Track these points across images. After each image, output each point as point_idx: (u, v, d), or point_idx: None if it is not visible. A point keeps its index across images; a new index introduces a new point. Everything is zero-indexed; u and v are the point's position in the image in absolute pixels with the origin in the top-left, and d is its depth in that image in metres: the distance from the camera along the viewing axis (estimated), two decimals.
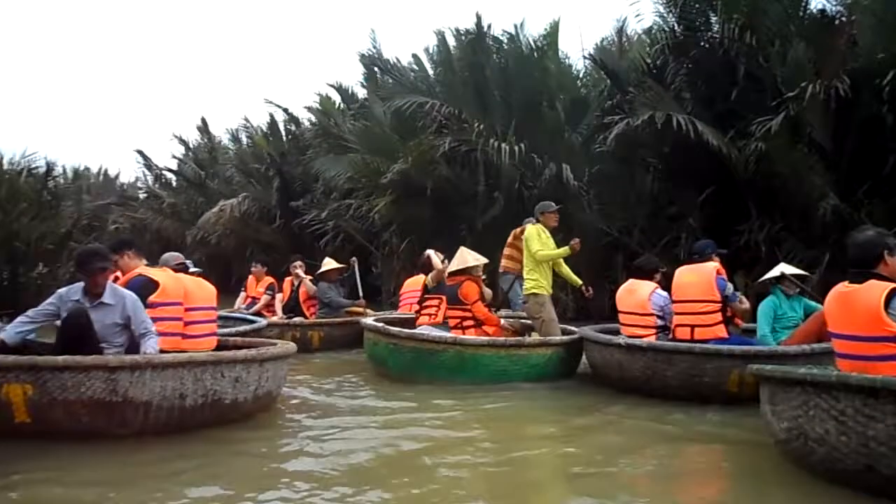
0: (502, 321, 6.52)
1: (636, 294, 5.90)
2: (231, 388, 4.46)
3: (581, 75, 13.74)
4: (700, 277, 5.52)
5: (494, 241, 12.51)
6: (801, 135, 9.28)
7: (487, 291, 6.94)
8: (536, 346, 6.03)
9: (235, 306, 9.65)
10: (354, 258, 9.52)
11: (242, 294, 9.99)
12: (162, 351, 4.43)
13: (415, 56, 14.94)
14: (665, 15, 10.84)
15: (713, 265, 5.58)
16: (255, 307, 9.31)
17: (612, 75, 11.57)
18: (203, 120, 22.08)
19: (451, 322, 6.44)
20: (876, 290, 3.29)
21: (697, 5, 10.50)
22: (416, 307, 8.16)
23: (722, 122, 9.94)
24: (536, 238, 6.34)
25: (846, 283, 3.52)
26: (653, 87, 9.73)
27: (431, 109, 12.24)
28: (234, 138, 21.16)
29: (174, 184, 22.86)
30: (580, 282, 6.95)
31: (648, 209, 11.07)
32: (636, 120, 9.42)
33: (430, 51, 14.41)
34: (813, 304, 5.69)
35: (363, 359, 6.93)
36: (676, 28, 10.63)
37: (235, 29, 71.27)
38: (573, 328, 6.73)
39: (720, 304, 5.44)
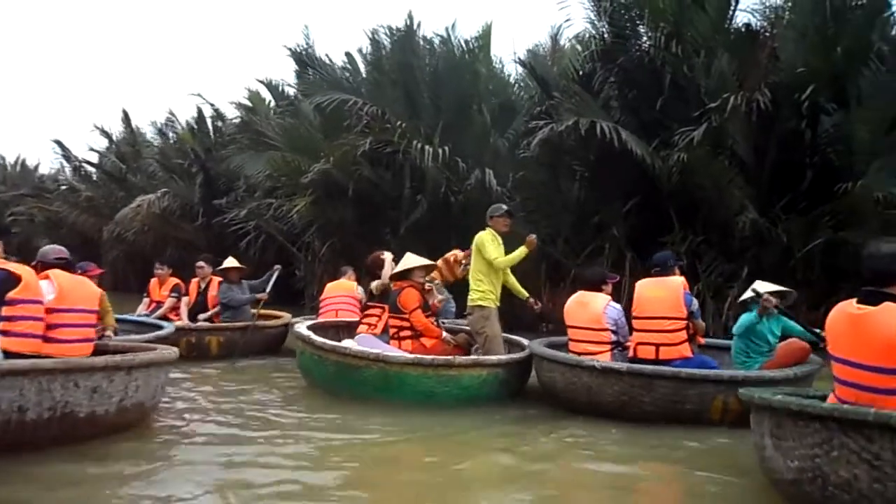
0: (444, 334, 5.85)
1: (589, 307, 5.36)
2: (87, 399, 3.96)
3: (512, 80, 13.51)
4: (667, 292, 5.11)
5: (418, 246, 12.17)
6: (722, 147, 9.21)
7: (442, 297, 6.51)
8: (469, 367, 5.34)
9: (137, 312, 8.82)
10: (278, 266, 8.87)
11: (146, 300, 9.09)
12: (18, 354, 3.95)
13: (348, 54, 14.44)
14: (595, 21, 10.69)
15: (679, 280, 5.26)
16: (159, 311, 8.52)
17: (541, 81, 11.33)
18: (125, 112, 20.96)
19: (391, 331, 5.95)
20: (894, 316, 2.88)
21: (626, 13, 10.37)
22: (340, 313, 7.76)
23: (648, 131, 9.81)
24: (491, 243, 5.77)
25: (854, 301, 3.11)
26: (579, 93, 9.53)
27: (356, 108, 11.76)
28: (159, 132, 20.21)
29: (94, 177, 21.69)
30: (526, 293, 6.34)
31: (573, 218, 10.84)
32: (560, 126, 9.16)
33: (364, 50, 13.97)
34: (791, 324, 5.26)
35: (289, 367, 6.53)
36: (606, 35, 10.48)
37: (164, 18, 67.94)
38: (524, 340, 6.20)
39: (685, 322, 5.10)
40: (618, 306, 5.41)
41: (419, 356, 5.30)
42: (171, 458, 3.96)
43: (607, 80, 10.50)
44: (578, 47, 11.72)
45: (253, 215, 14.05)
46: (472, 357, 5.60)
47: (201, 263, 8.74)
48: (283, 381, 6.46)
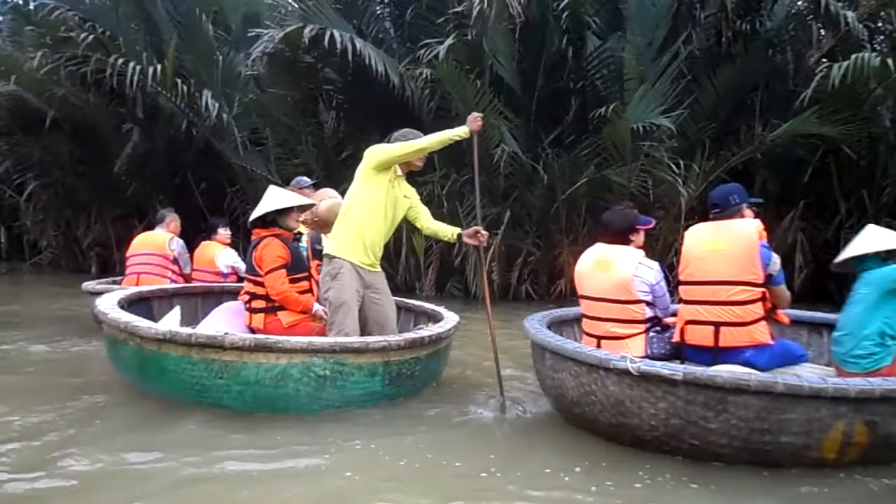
0: (316, 307, 3.95)
1: (612, 269, 3.44)
2: None
3: None
4: (731, 244, 3.29)
5: (152, 188, 10.31)
6: (481, 67, 7.77)
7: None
8: (258, 351, 3.28)
9: None
10: None
11: None
12: None
13: None
14: None
15: (751, 225, 3.32)
16: None
17: None
18: None
19: (243, 299, 4.16)
20: None
21: None
22: (142, 278, 5.57)
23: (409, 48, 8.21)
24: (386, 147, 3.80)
25: None
26: None
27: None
28: None
29: None
30: (454, 229, 4.02)
31: (326, 155, 9.12)
32: (278, 33, 7.30)
33: None
34: None
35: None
36: None
37: None
38: (444, 312, 4.46)
39: (762, 289, 3.26)
40: (654, 265, 3.46)
41: (171, 328, 3.38)
42: None
43: None
44: None
45: None
46: (257, 337, 3.37)
47: None
48: None
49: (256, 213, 4.04)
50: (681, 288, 3.46)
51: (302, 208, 4.17)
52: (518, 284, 8.36)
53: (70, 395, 3.67)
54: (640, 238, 3.62)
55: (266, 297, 3.97)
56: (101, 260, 11.08)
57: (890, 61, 6.39)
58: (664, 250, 7.93)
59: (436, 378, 4.13)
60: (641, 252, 3.50)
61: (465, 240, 3.91)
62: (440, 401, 3.78)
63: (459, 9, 7.15)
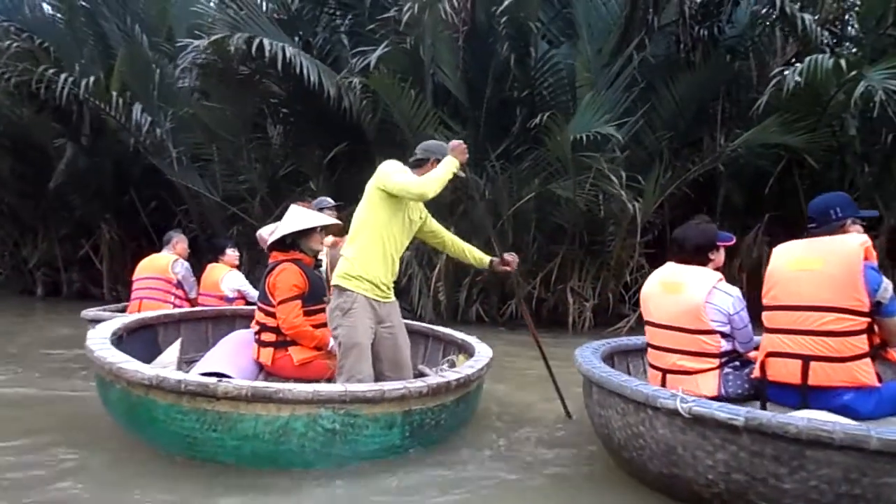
0: (332, 343, 3.48)
1: (682, 292, 2.95)
2: None
3: None
4: (829, 263, 2.69)
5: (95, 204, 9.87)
6: (421, 76, 7.38)
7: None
8: (261, 401, 2.75)
9: None
10: None
11: None
12: None
13: None
14: None
15: (856, 242, 2.69)
16: None
17: None
18: None
19: (254, 329, 3.76)
20: None
21: None
22: (144, 303, 5.25)
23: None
24: (397, 170, 3.31)
25: None
26: (242, 2, 7.27)
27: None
28: None
29: None
30: (485, 257, 3.77)
31: (271, 172, 8.74)
32: (204, 41, 6.94)
33: None
34: None
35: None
36: None
37: None
38: (476, 343, 4.03)
39: (867, 320, 2.64)
40: (734, 291, 2.94)
41: (159, 373, 2.82)
42: None
43: None
44: None
45: None
46: (255, 385, 2.80)
47: None
48: None
49: (276, 235, 3.65)
50: (764, 314, 2.85)
51: (326, 229, 3.81)
52: (467, 305, 7.90)
53: (51, 439, 3.21)
54: (720, 257, 3.11)
55: (277, 330, 3.57)
56: (49, 281, 10.67)
57: (843, 62, 5.95)
58: (618, 269, 7.48)
59: (465, 424, 3.58)
60: (719, 275, 2.97)
61: (497, 266, 3.70)
62: (470, 450, 3.27)
63: (391, 14, 6.75)
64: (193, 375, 2.93)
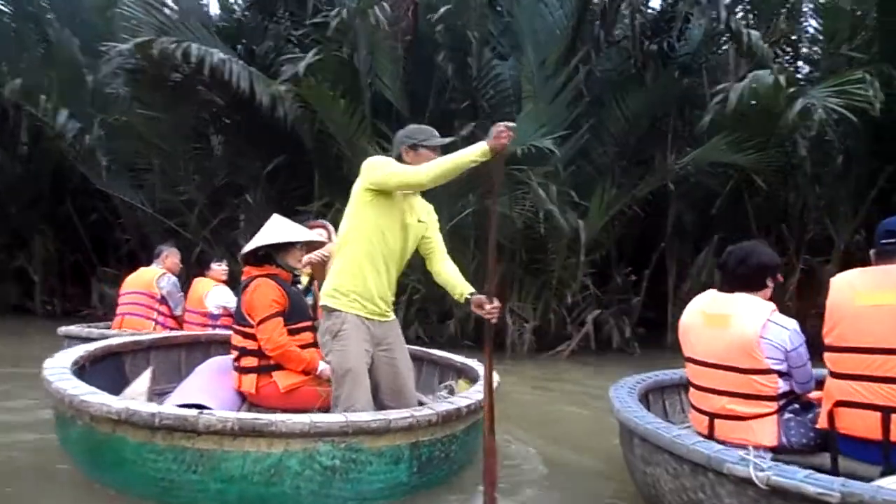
0: (322, 366, 3.09)
1: (731, 325, 2.51)
2: None
3: None
4: None
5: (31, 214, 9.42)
6: (357, 87, 7.11)
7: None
8: (244, 436, 2.41)
9: None
10: None
11: None
12: None
13: None
14: None
15: None
16: None
17: None
18: None
19: (233, 355, 3.29)
20: None
21: None
22: (126, 320, 5.02)
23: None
24: (390, 162, 2.82)
25: None
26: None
27: None
28: None
29: None
30: (465, 289, 2.85)
31: (210, 183, 8.43)
32: (127, 44, 6.65)
33: None
34: None
35: None
36: None
37: None
38: (478, 366, 3.64)
39: None
40: (791, 324, 2.49)
41: (129, 405, 2.45)
42: None
43: None
44: None
45: None
46: (243, 418, 2.44)
47: None
48: None
49: (248, 247, 3.22)
50: (827, 356, 2.40)
51: (309, 245, 3.34)
52: (405, 326, 7.54)
53: None
54: (770, 285, 2.63)
55: (259, 353, 3.13)
56: None
57: (783, 78, 5.73)
58: (560, 289, 7.17)
59: (475, 456, 3.10)
60: (772, 305, 2.51)
61: (473, 308, 2.75)
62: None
63: (318, 20, 6.50)
64: (169, 408, 2.55)
